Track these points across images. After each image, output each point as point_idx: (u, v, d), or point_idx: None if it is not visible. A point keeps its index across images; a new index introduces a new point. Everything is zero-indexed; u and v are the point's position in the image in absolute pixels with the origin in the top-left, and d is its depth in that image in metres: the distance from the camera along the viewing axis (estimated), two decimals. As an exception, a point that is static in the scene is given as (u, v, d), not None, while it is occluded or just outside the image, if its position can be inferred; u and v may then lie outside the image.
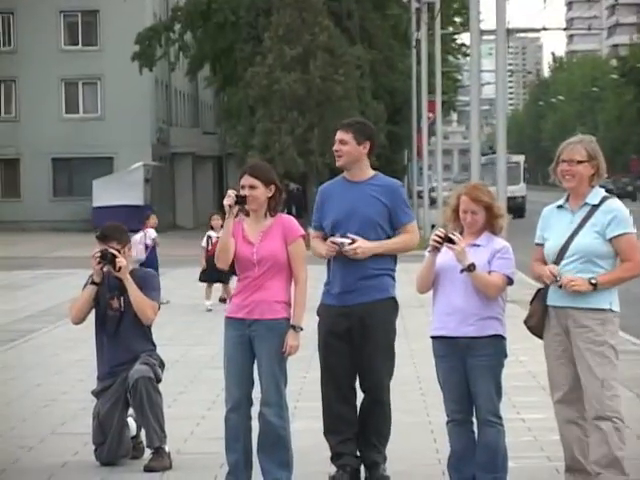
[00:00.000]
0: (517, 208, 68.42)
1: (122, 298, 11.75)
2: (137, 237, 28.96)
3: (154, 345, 12.22)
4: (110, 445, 11.86)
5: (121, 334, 11.84)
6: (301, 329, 11.00)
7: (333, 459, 11.44)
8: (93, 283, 11.51)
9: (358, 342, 11.20)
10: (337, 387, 11.40)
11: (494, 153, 64.71)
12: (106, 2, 73.93)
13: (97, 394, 12.10)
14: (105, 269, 11.54)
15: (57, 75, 76.28)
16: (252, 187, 10.77)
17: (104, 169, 73.45)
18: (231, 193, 11.01)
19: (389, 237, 11.32)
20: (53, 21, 76.10)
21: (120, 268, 11.50)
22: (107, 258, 11.46)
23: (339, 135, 11.46)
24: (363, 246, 10.94)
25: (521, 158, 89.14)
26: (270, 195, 10.83)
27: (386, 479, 11.29)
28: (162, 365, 12.33)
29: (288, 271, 10.97)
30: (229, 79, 67.29)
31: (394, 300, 11.35)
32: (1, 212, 75.02)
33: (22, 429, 13.90)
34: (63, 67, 76.71)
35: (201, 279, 28.34)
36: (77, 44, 77.59)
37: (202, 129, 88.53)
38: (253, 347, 10.88)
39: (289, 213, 11.14)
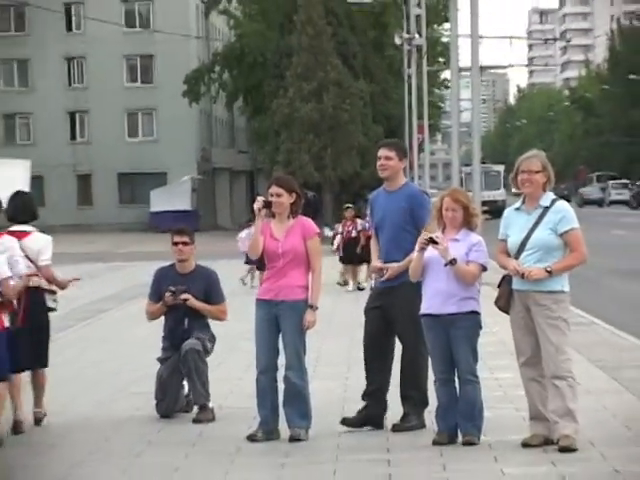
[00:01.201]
0: (498, 210, 65.77)
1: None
2: (243, 234, 28.36)
3: (209, 326, 12.19)
4: (168, 402, 12.01)
5: (185, 322, 11.88)
6: (317, 308, 11.10)
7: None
8: (164, 305, 11.66)
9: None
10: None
11: (482, 162, 64.81)
12: (159, 48, 73.65)
13: (161, 361, 12.18)
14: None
15: (121, 106, 76.39)
16: (278, 195, 10.85)
17: (159, 182, 73.78)
18: (259, 199, 11.14)
19: (415, 235, 11.10)
20: (118, 63, 76.15)
21: (186, 300, 11.43)
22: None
23: (384, 152, 11.36)
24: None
25: (501, 167, 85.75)
26: (292, 201, 10.91)
27: (410, 429, 11.15)
28: (213, 339, 12.31)
29: (306, 262, 11.03)
30: (258, 108, 66.87)
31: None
32: (77, 217, 75.34)
33: (96, 390, 13.94)
34: (126, 100, 77.01)
35: (246, 262, 27.36)
36: (137, 81, 77.60)
37: (237, 149, 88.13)
38: (279, 323, 10.96)
39: (306, 215, 11.03)
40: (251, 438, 10.98)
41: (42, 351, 11.71)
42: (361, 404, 11.71)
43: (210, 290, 12.10)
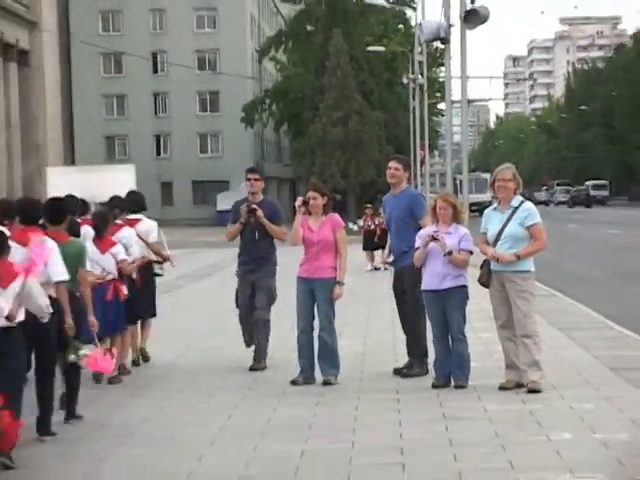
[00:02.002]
0: (484, 209, 65.30)
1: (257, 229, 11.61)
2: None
3: (275, 247, 12.10)
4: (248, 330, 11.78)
5: (256, 235, 11.72)
6: (343, 284, 11.11)
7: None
8: (241, 223, 11.53)
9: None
10: None
11: (473, 171, 63.21)
12: (224, 86, 73.27)
13: (238, 276, 11.81)
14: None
15: (194, 130, 76.38)
16: (314, 198, 10.94)
17: (223, 187, 72.91)
18: (299, 199, 11.25)
19: (415, 227, 11.19)
20: (192, 97, 76.00)
21: (256, 210, 11.36)
22: (252, 211, 11.43)
23: (393, 164, 11.41)
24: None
25: (488, 175, 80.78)
26: (324, 202, 11.01)
27: (415, 375, 10.92)
28: (273, 298, 11.90)
29: (335, 249, 11.02)
30: (298, 132, 66.46)
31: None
32: (161, 214, 75.04)
33: (176, 344, 13.77)
34: (198, 125, 77.13)
35: (363, 248, 27.30)
36: (206, 111, 77.41)
37: (282, 163, 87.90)
38: (314, 295, 11.03)
39: (335, 212, 11.13)
40: (293, 382, 10.94)
41: (152, 304, 12.21)
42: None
43: (273, 215, 11.99)
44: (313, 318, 11.13)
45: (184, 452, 8.07)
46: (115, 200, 13.01)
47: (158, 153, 78.44)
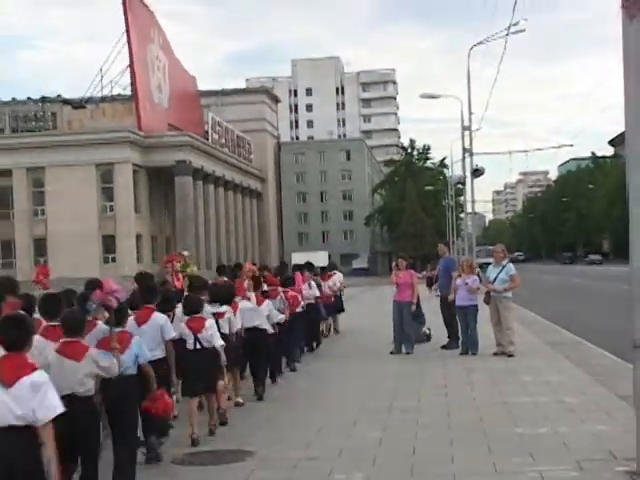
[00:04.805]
0: (489, 265, 68.24)
1: None
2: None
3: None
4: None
5: None
6: (414, 303, 13.81)
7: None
8: None
9: None
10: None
11: (484, 245, 76.73)
12: (355, 207, 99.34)
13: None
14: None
15: (345, 228, 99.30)
16: (401, 263, 14.03)
17: (354, 257, 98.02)
18: (394, 262, 14.25)
19: (449, 276, 14.16)
20: (339, 214, 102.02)
21: None
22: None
23: (440, 246, 15.17)
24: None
25: (492, 247, 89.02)
26: (406, 263, 13.99)
27: (451, 348, 14.42)
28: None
29: (412, 285, 13.84)
30: (391, 229, 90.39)
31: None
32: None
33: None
34: (346, 226, 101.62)
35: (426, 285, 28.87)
36: (346, 220, 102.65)
37: (384, 244, 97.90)
38: (401, 309, 13.78)
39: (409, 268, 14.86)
40: (391, 352, 13.80)
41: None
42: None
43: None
44: (402, 323, 13.56)
45: None
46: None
47: (324, 240, 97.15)
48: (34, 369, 4.16)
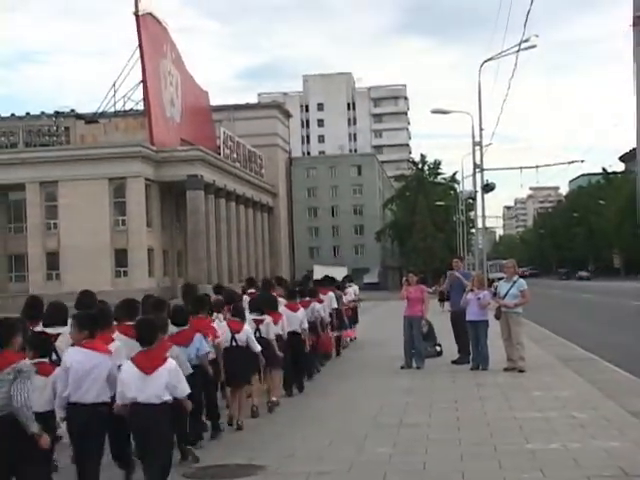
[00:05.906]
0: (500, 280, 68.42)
1: None
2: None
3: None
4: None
5: None
6: (426, 319, 13.75)
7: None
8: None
9: None
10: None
11: (496, 258, 78.41)
12: (366, 222, 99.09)
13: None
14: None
15: (351, 244, 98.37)
16: (411, 278, 14.01)
17: (365, 272, 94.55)
18: (405, 277, 14.15)
19: (462, 289, 13.85)
20: (351, 228, 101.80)
21: None
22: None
23: (455, 260, 14.97)
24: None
25: (504, 261, 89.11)
26: (417, 278, 13.97)
27: (461, 363, 14.19)
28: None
29: (422, 300, 13.81)
30: (402, 243, 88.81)
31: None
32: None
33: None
34: (356, 241, 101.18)
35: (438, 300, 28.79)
36: (357, 234, 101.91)
37: (395, 258, 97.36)
38: (412, 325, 13.85)
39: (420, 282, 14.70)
40: (401, 367, 13.81)
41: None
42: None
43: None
44: (412, 338, 13.64)
45: None
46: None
47: (335, 255, 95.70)
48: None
